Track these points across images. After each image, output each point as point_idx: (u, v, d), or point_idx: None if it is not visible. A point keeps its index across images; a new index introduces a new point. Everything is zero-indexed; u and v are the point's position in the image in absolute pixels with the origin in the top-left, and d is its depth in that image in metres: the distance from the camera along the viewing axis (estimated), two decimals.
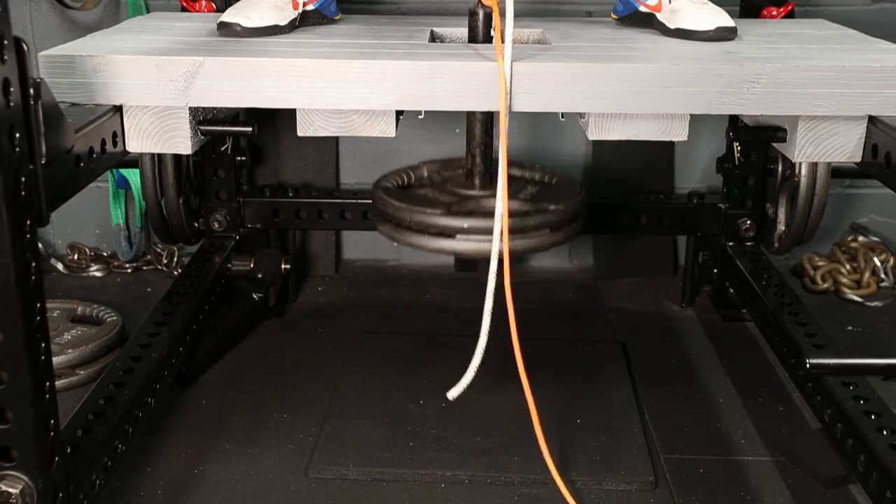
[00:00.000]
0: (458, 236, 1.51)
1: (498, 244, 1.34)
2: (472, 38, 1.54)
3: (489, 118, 1.60)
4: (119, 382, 1.44)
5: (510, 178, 1.73)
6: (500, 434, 1.58)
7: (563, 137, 2.25)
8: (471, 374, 1.41)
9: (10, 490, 1.04)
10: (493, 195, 1.56)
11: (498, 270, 1.36)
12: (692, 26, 1.51)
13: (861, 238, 2.29)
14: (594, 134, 1.38)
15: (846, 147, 1.35)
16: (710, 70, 1.31)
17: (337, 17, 1.71)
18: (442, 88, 1.32)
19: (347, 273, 2.31)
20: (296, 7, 1.57)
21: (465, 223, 1.52)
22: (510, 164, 1.78)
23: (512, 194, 1.61)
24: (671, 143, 2.24)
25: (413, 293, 2.20)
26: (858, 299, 2.16)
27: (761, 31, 1.63)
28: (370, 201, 2.09)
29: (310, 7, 1.62)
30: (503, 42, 1.28)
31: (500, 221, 1.35)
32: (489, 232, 1.47)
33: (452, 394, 1.42)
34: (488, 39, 1.53)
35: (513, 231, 1.50)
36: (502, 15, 1.29)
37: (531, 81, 1.31)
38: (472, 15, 1.53)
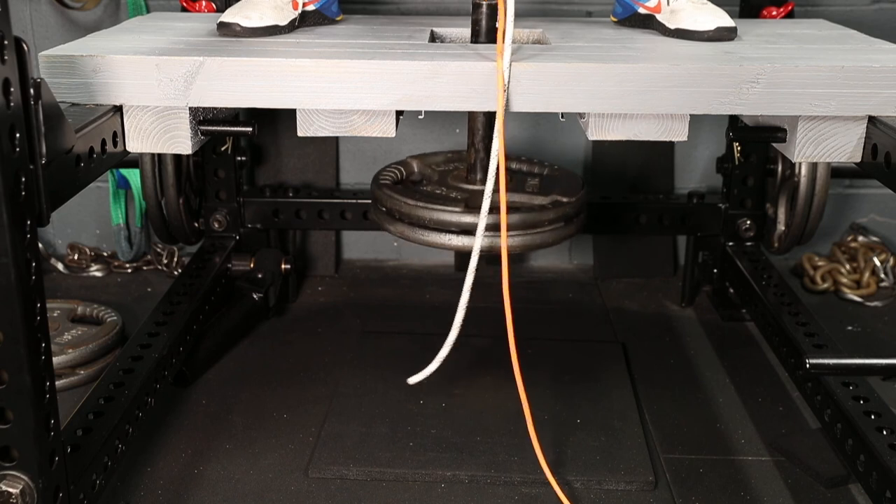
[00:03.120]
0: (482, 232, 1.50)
1: (480, 241, 1.33)
2: (475, 33, 1.53)
3: (492, 113, 1.60)
4: (119, 382, 1.45)
5: (510, 171, 1.72)
6: (500, 434, 1.58)
7: (563, 137, 2.25)
8: (435, 364, 1.40)
9: (11, 490, 1.04)
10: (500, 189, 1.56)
11: (478, 268, 1.34)
12: (692, 26, 1.51)
13: (861, 238, 2.29)
14: (594, 134, 1.38)
15: (846, 147, 1.35)
16: (709, 70, 1.31)
17: (338, 18, 1.71)
18: (442, 88, 1.31)
19: (347, 273, 2.31)
20: (296, 7, 1.57)
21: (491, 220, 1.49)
22: (507, 158, 1.77)
23: (516, 187, 1.61)
24: (671, 143, 2.24)
25: (413, 293, 2.20)
26: (858, 299, 2.16)
27: (761, 31, 1.63)
28: (370, 201, 2.10)
29: (310, 7, 1.62)
30: (503, 43, 1.28)
31: (482, 216, 1.33)
32: (511, 227, 1.46)
33: (413, 379, 1.41)
34: (492, 33, 1.53)
35: (533, 225, 1.49)
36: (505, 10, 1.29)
37: (531, 81, 1.31)
38: (476, 7, 1.52)
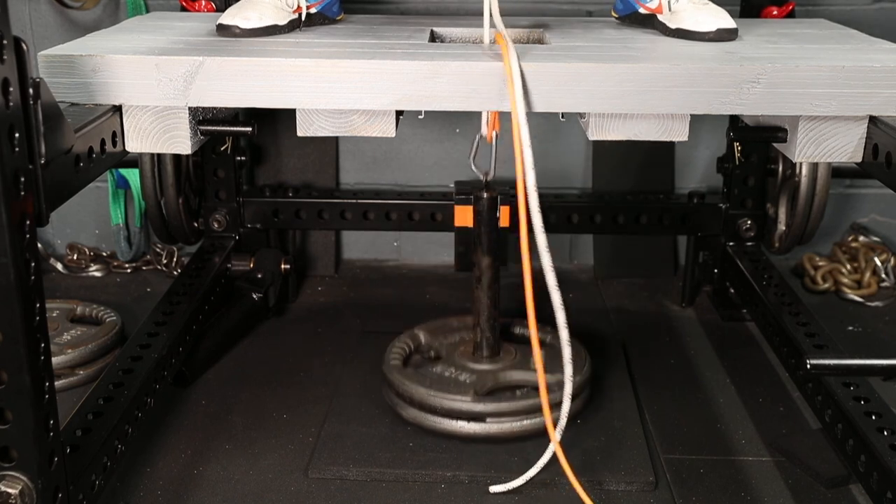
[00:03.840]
0: (489, 420, 1.55)
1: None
2: (477, 222, 1.60)
3: (496, 294, 1.63)
4: (119, 382, 1.44)
5: (517, 341, 1.74)
6: None
7: (563, 137, 2.25)
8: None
9: (10, 490, 1.04)
10: (506, 367, 1.62)
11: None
12: (693, 27, 1.51)
13: (861, 238, 2.29)
14: (594, 134, 1.38)
15: (847, 147, 1.35)
16: (710, 70, 1.31)
17: (339, 17, 1.71)
18: (442, 88, 1.31)
19: (347, 273, 2.31)
20: (298, 11, 1.57)
21: (495, 406, 1.55)
22: (514, 324, 1.79)
23: (524, 364, 1.65)
24: (671, 143, 2.24)
25: (413, 293, 2.20)
26: (859, 299, 2.16)
27: (762, 30, 1.63)
28: (373, 205, 2.11)
29: (313, 10, 1.61)
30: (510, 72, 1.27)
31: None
32: (518, 413, 1.53)
33: (496, 488, 1.45)
34: (493, 224, 1.59)
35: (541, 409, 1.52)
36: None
37: (531, 82, 1.30)
38: (478, 200, 1.57)
